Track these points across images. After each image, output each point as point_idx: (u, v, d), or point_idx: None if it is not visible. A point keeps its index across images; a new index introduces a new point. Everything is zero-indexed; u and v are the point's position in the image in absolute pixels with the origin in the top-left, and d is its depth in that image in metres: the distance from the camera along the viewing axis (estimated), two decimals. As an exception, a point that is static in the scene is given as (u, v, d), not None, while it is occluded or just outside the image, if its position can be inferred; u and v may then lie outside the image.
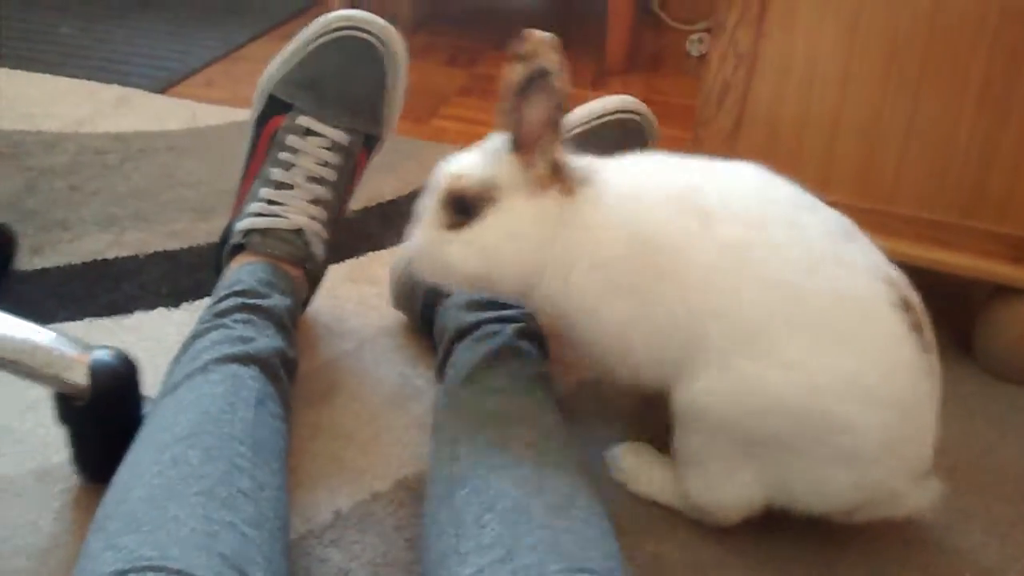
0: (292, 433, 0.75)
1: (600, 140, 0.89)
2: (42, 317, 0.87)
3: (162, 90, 1.42)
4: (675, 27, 2.04)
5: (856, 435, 0.61)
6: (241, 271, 0.78)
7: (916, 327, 0.63)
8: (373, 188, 1.13)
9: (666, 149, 1.34)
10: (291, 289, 0.79)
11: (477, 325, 0.78)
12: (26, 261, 0.96)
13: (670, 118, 1.55)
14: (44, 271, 0.95)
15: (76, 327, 0.87)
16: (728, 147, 0.92)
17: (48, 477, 0.70)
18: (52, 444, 0.72)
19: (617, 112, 0.91)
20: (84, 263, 0.96)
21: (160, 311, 0.90)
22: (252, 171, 0.84)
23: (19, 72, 1.44)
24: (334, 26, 0.84)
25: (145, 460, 0.57)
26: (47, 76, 1.43)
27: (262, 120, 0.84)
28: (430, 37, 1.81)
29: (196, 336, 0.71)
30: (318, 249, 0.82)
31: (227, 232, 0.83)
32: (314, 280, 0.84)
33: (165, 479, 0.55)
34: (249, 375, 0.67)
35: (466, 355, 0.75)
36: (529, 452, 0.63)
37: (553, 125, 0.63)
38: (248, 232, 0.80)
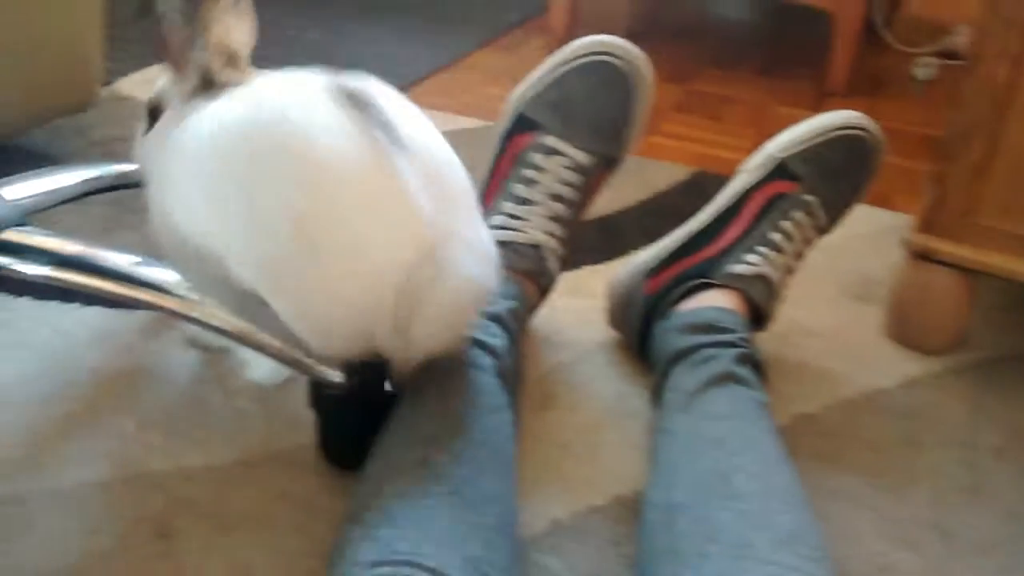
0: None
1: (824, 160, 0.88)
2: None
3: (394, 95, 1.50)
4: (899, 49, 1.97)
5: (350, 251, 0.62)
6: None
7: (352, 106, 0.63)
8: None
9: (892, 177, 1.29)
10: (516, 293, 0.82)
11: (695, 348, 0.78)
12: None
13: (894, 144, 1.50)
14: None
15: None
16: (974, 184, 0.88)
17: (295, 458, 0.76)
18: (301, 425, 0.78)
19: (842, 129, 0.89)
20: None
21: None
22: (494, 185, 0.88)
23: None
24: (587, 51, 0.87)
25: (395, 457, 0.61)
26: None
27: (508, 136, 0.88)
28: (646, 52, 1.82)
29: None
30: (553, 265, 0.85)
31: None
32: (544, 292, 0.87)
33: (415, 477, 0.58)
34: (487, 379, 0.70)
35: (684, 379, 0.76)
36: (753, 484, 0.63)
37: (190, 42, 0.69)
38: None
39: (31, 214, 0.75)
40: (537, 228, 0.84)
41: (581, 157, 0.86)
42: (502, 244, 0.83)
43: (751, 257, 0.85)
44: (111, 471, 0.74)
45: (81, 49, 1.11)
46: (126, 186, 0.90)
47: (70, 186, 0.83)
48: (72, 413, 0.79)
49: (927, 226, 0.92)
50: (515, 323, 0.80)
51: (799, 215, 0.86)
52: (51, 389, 0.81)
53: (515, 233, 0.84)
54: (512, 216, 0.85)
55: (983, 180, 0.88)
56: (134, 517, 0.70)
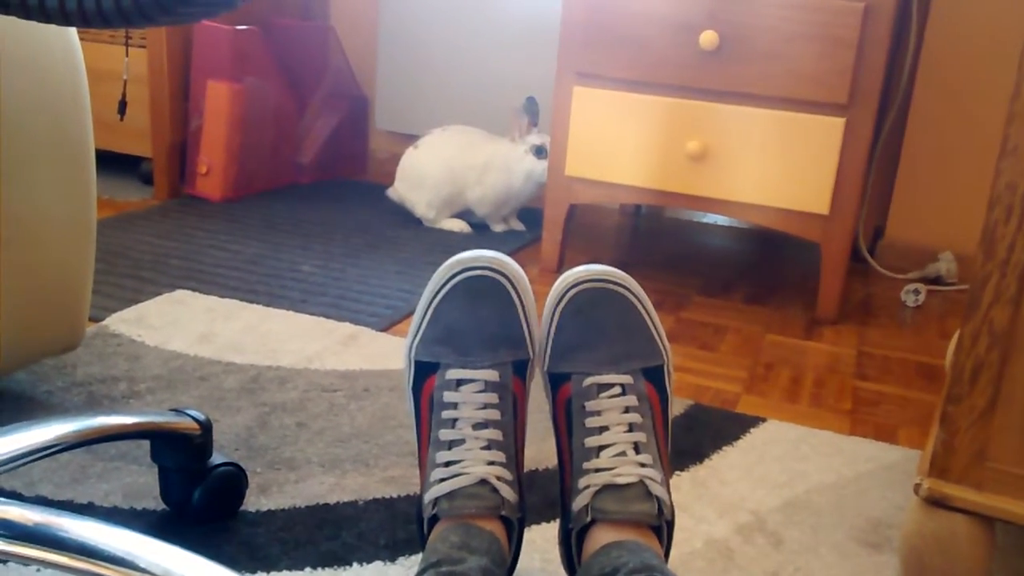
0: None
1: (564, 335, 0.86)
2: (266, 564, 0.88)
3: (386, 329, 1.49)
4: (887, 275, 2.00)
5: None
6: (435, 541, 0.77)
7: None
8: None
9: (892, 409, 1.26)
10: (487, 547, 0.77)
11: None
12: (254, 501, 0.99)
13: (890, 374, 1.49)
14: (270, 513, 0.97)
15: (298, 577, 0.87)
16: (981, 426, 0.85)
17: None
18: None
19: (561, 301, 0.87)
20: (307, 506, 0.98)
21: (377, 565, 0.90)
22: (424, 439, 0.85)
23: (269, 309, 1.55)
24: (448, 275, 0.86)
25: None
26: (289, 312, 1.54)
27: (417, 387, 0.86)
28: (637, 281, 1.84)
29: None
30: (508, 493, 0.80)
31: (419, 507, 0.82)
32: (513, 530, 0.82)
33: None
34: None
35: None
36: None
37: None
38: (436, 501, 0.80)
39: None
40: (476, 463, 0.80)
41: (488, 375, 0.83)
42: (448, 496, 0.79)
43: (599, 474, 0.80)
44: None
45: (69, 296, 1.10)
46: (101, 440, 0.87)
47: (43, 443, 0.79)
48: None
49: (938, 471, 0.88)
50: None
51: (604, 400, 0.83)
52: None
53: (456, 479, 0.79)
54: (447, 464, 0.81)
55: (990, 421, 0.85)
56: None
